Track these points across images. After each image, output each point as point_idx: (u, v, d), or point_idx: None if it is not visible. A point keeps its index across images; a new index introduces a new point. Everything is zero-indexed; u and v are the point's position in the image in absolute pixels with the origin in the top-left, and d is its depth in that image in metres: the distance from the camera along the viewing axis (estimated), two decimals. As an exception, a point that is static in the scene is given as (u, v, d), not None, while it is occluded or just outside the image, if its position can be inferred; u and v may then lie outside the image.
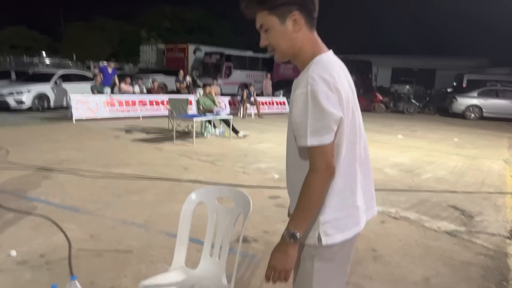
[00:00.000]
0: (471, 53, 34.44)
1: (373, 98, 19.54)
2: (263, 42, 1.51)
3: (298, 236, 1.43)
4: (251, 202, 2.12)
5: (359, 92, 23.25)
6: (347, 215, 1.53)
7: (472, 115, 17.98)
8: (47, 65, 34.18)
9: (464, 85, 23.21)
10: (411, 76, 31.76)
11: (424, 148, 9.52)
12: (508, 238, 4.20)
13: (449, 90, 24.41)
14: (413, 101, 19.68)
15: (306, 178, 1.42)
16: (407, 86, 27.60)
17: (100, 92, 12.83)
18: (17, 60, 32.89)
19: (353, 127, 1.50)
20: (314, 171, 1.40)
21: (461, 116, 18.10)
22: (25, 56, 34.35)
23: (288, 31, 1.46)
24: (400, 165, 7.56)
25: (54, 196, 4.85)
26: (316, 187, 1.40)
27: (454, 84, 25.52)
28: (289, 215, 1.67)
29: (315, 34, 1.53)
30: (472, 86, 20.38)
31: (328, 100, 1.37)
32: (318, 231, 1.49)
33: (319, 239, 1.49)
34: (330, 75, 1.40)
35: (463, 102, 18.28)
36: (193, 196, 2.26)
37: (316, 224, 1.49)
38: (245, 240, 3.75)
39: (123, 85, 14.00)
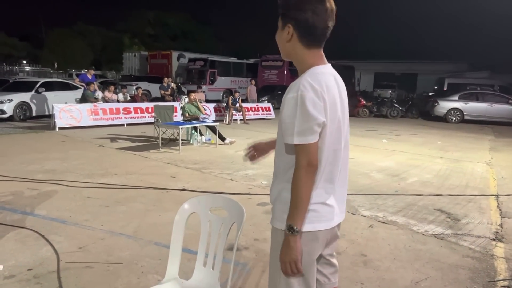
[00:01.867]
0: (450, 58, 35.15)
1: (356, 103, 19.72)
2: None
3: (296, 229, 1.60)
4: (244, 211, 2.12)
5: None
6: (319, 210, 1.69)
7: (454, 118, 18.30)
8: (27, 73, 33.68)
9: (445, 88, 23.67)
10: (393, 80, 32.20)
11: (409, 152, 9.66)
12: (494, 240, 4.29)
13: (430, 94, 24.86)
14: (396, 105, 19.92)
15: (293, 175, 1.61)
16: (390, 91, 27.95)
17: (92, 97, 12.80)
18: (-4, 68, 32.38)
19: (338, 135, 1.70)
20: (298, 168, 1.59)
21: (443, 119, 18.39)
22: (5, 65, 33.80)
23: (283, 38, 1.70)
24: (386, 169, 7.65)
25: (40, 208, 4.77)
26: (302, 182, 1.58)
27: (435, 88, 26.02)
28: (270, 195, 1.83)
29: (316, 49, 1.70)
30: (453, 90, 20.76)
31: (314, 106, 1.56)
32: None
33: None
34: (319, 84, 1.59)
35: (445, 105, 18.59)
36: (185, 206, 2.25)
37: None
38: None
39: (106, 93, 13.86)
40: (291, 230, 1.60)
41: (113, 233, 4.09)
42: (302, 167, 1.58)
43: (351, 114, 19.32)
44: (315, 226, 1.68)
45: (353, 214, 4.94)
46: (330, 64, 1.74)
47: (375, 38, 51.55)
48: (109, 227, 4.24)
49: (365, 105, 19.82)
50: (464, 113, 18.16)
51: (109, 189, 5.69)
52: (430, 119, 19.09)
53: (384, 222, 4.70)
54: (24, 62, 37.20)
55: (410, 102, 21.15)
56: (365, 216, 4.88)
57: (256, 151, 2.15)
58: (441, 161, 8.65)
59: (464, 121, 18.10)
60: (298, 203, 1.60)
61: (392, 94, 27.04)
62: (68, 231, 4.10)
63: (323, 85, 1.59)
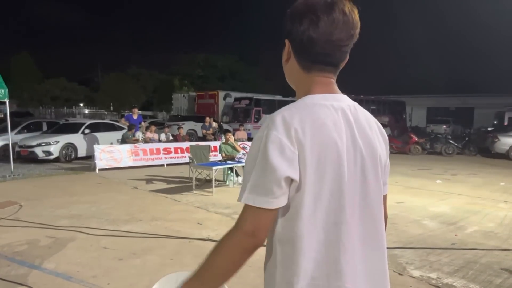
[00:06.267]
0: (509, 91, 33.02)
1: (408, 140, 18.65)
2: None
3: None
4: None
5: (393, 134, 22.46)
6: None
7: (518, 155, 16.72)
8: (84, 114, 35.50)
9: (506, 123, 22.00)
10: (447, 115, 30.66)
11: (467, 195, 8.60)
12: None
13: (489, 129, 23.19)
14: (451, 141, 18.58)
15: (225, 235, 1.10)
16: (444, 126, 26.48)
17: (130, 138, 12.82)
18: (57, 111, 34.36)
19: (339, 201, 1.09)
20: (236, 229, 1.08)
21: (505, 156, 16.85)
22: (65, 108, 35.87)
23: (283, 58, 1.27)
24: (440, 215, 6.74)
25: (50, 260, 4.42)
26: (229, 249, 1.08)
27: (495, 122, 24.30)
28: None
29: (319, 74, 1.20)
30: (514, 124, 19.20)
31: (282, 151, 1.03)
32: None
33: None
34: (300, 120, 1.07)
35: (507, 141, 17.06)
36: (156, 287, 1.72)
37: None
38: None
39: (148, 134, 13.90)
40: None
41: (118, 294, 3.62)
42: (240, 231, 1.06)
43: (402, 151, 18.26)
44: None
45: (400, 274, 4.17)
46: (341, 95, 1.20)
47: (426, 71, 49.86)
48: (115, 286, 3.78)
49: (417, 142, 18.62)
50: (530, 150, 16.55)
51: (129, 238, 5.29)
52: (490, 156, 17.56)
53: (438, 286, 3.90)
54: (81, 105, 39.27)
55: (467, 138, 19.69)
56: (414, 278, 4.09)
57: None
58: (505, 206, 7.57)
59: (530, 159, 16.47)
60: (207, 271, 1.10)
61: (447, 129, 25.58)
62: (69, 291, 3.68)
63: (305, 123, 1.06)
